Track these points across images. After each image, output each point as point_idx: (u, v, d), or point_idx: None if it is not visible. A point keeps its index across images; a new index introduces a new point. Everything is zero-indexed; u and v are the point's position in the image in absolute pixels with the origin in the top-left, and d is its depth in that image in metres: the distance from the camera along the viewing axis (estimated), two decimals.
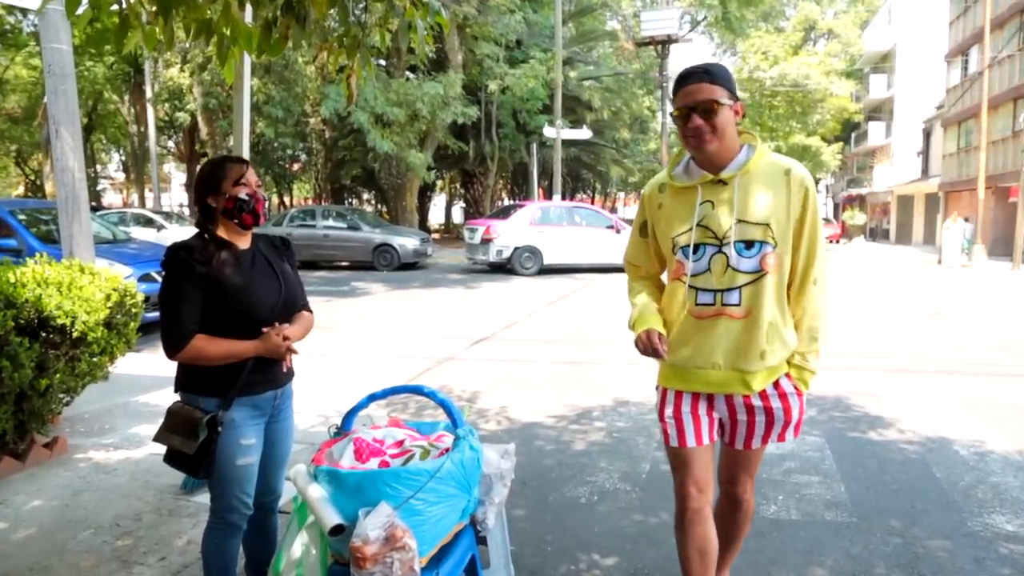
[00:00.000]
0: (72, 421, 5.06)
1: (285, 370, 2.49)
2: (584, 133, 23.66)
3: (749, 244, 2.22)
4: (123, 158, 46.08)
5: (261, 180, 2.55)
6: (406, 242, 18.58)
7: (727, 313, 2.26)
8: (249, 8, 3.23)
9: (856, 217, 46.30)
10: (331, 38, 3.13)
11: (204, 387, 2.37)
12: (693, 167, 2.34)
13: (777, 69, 32.44)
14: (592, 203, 46.15)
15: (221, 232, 2.43)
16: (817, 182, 49.73)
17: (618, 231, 17.78)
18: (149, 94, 27.76)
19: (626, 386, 6.34)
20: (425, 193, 34.10)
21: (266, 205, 2.51)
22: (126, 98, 35.36)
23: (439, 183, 39.44)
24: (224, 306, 2.32)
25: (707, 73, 2.21)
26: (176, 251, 2.32)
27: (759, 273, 2.23)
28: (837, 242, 41.68)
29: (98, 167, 43.90)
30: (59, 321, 3.98)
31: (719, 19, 31.30)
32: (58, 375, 4.09)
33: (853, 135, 50.48)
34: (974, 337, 9.15)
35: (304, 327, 2.55)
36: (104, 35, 23.25)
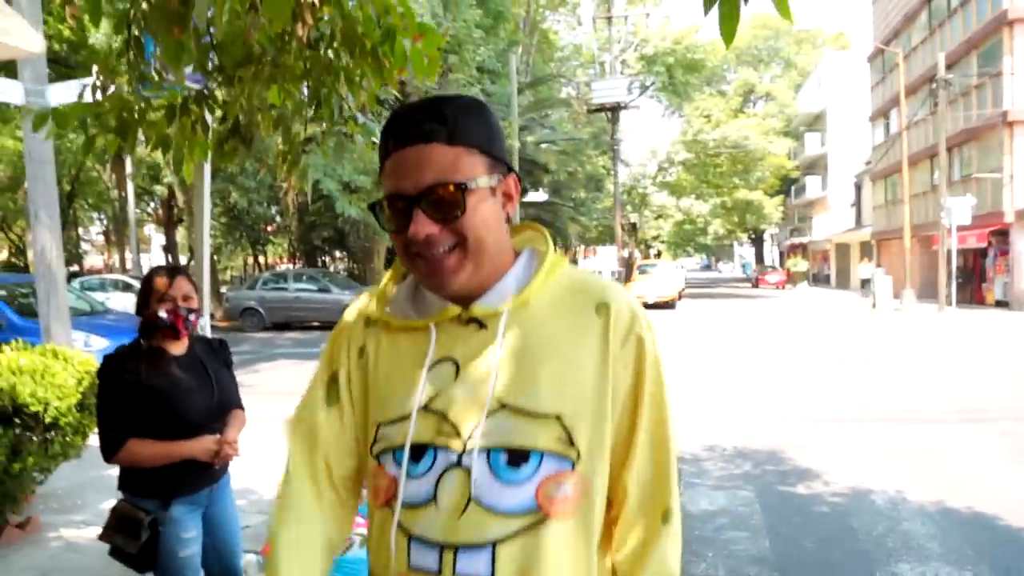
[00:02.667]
0: (45, 498, 5.01)
1: (218, 467, 2.53)
2: (540, 196, 24.13)
3: (518, 456, 1.03)
4: (104, 222, 45.68)
5: (194, 290, 2.53)
6: None
7: None
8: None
9: (799, 264, 47.38)
10: (275, 154, 3.24)
11: (144, 488, 2.43)
12: (424, 289, 1.13)
13: (719, 131, 33.49)
14: None
15: (158, 339, 2.47)
16: (762, 232, 51.05)
17: None
18: (129, 168, 27.74)
19: None
20: (393, 254, 34.23)
21: (189, 318, 2.48)
22: (107, 167, 35.23)
23: None
24: (157, 411, 2.37)
25: (440, 121, 1.01)
26: (108, 361, 2.40)
27: (535, 516, 1.02)
28: (783, 288, 42.56)
29: (80, 230, 43.41)
30: (32, 408, 4.01)
31: (665, 84, 32.35)
32: (31, 458, 4.09)
33: (792, 188, 52.02)
34: (900, 383, 9.44)
35: (238, 427, 2.61)
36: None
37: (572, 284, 1.10)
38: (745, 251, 70.36)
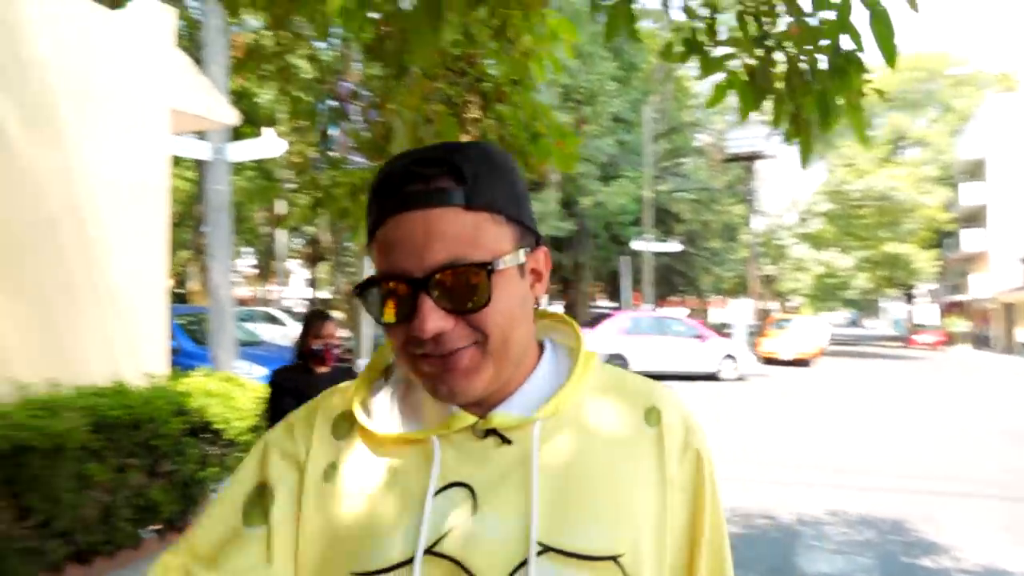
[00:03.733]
0: None
1: None
2: (673, 247, 24.27)
3: None
4: (255, 256, 49.68)
5: (335, 330, 3.62)
6: None
7: None
8: None
9: (957, 324, 44.33)
10: None
11: None
12: (422, 390, 0.84)
13: (864, 181, 32.32)
14: (686, 305, 46.08)
15: (311, 363, 3.53)
16: (911, 287, 48.17)
17: (703, 340, 18.01)
18: (279, 208, 30.28)
19: None
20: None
21: (333, 351, 3.57)
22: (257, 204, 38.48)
23: None
24: None
25: (456, 178, 0.76)
26: (276, 373, 3.54)
27: None
28: (937, 349, 39.93)
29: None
30: (217, 426, 4.79)
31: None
32: (213, 469, 4.87)
33: (945, 242, 48.94)
34: None
35: None
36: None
37: (612, 385, 0.87)
38: (893, 307, 66.44)
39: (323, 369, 3.54)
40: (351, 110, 3.51)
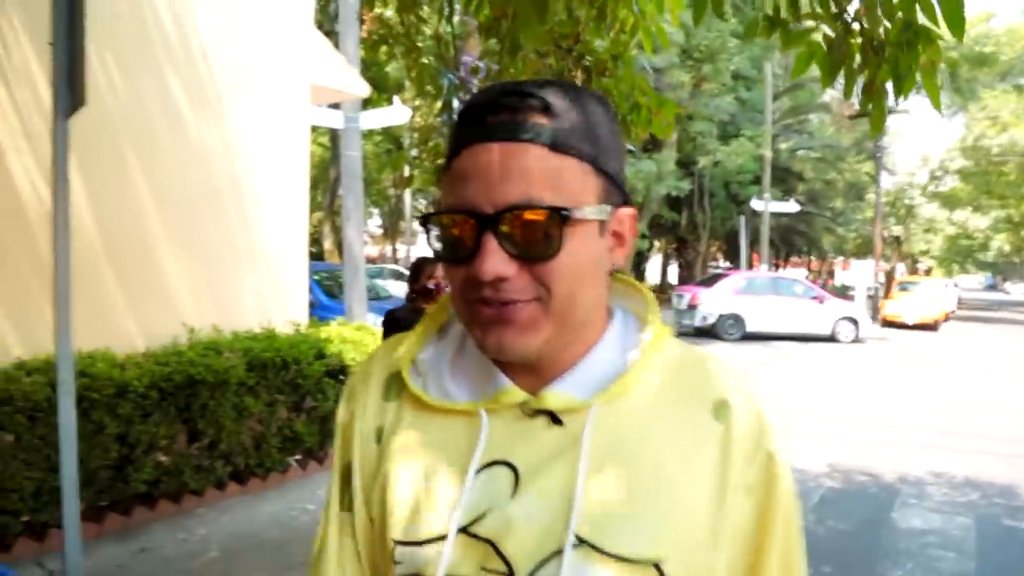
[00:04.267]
0: None
1: None
2: (791, 207, 23.45)
3: None
4: (381, 216, 51.79)
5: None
6: None
7: None
8: None
9: None
10: None
11: None
12: (473, 354, 0.80)
13: (1007, 135, 29.74)
14: (809, 268, 44.35)
15: (420, 303, 3.80)
16: None
17: (821, 301, 17.53)
18: (406, 171, 31.31)
19: (816, 459, 6.72)
20: (641, 254, 34.98)
21: (447, 290, 4.17)
22: (387, 169, 39.93)
23: (656, 245, 40.21)
24: None
25: (545, 113, 0.70)
26: (389, 313, 3.87)
27: None
28: None
29: None
30: (353, 368, 5.36)
31: (943, 84, 29.43)
32: None
33: None
34: None
35: None
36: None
37: (680, 370, 0.78)
38: None
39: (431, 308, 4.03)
40: (472, 83, 3.85)
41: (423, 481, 0.75)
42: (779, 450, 0.77)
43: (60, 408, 2.70)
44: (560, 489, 0.71)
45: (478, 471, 0.73)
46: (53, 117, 2.67)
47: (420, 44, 4.18)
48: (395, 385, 0.81)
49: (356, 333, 5.67)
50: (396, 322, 3.81)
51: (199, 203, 5.27)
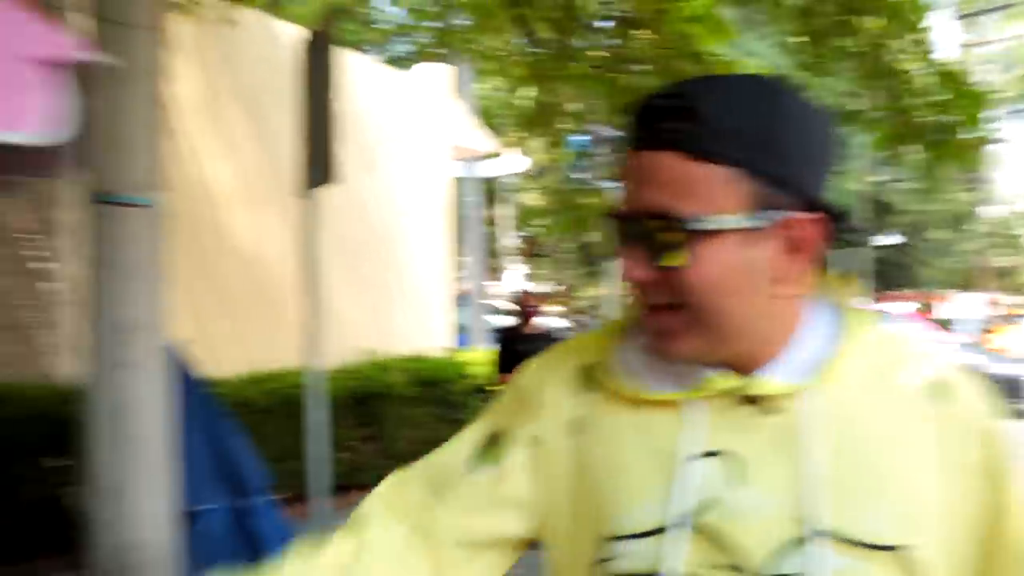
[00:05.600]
0: None
1: None
2: (893, 239, 23.05)
3: None
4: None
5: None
6: None
7: None
8: None
9: None
10: None
11: None
12: None
13: None
14: (906, 300, 42.55)
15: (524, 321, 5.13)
16: None
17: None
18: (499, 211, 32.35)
19: None
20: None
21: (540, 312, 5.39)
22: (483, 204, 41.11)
23: None
24: (523, 354, 4.68)
25: (688, 118, 0.66)
26: (502, 331, 4.97)
27: None
28: None
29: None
30: (490, 388, 6.16)
31: None
32: None
33: None
34: None
35: None
36: None
37: (889, 353, 0.75)
38: None
39: (529, 329, 5.12)
40: (599, 153, 4.66)
41: (632, 473, 0.72)
42: (1002, 430, 0.74)
43: (310, 408, 3.61)
44: (784, 477, 0.68)
45: (691, 460, 0.69)
46: (304, 189, 3.59)
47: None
48: (590, 376, 0.77)
49: (482, 356, 6.50)
50: (507, 340, 4.95)
51: (360, 246, 6.24)
